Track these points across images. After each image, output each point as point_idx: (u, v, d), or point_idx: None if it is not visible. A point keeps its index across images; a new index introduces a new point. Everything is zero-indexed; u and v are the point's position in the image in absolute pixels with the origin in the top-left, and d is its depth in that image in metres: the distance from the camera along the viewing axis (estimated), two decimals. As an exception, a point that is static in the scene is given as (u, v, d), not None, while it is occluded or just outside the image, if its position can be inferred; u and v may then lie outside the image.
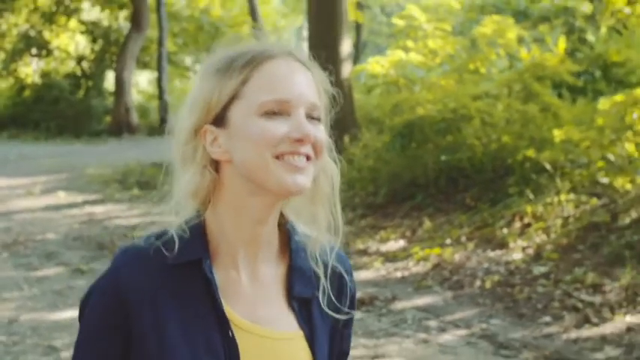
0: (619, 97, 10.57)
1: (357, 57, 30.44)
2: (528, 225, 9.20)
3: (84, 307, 1.69)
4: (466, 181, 10.95)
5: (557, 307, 6.72)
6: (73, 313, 6.92)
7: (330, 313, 1.76)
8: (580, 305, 6.70)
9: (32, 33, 27.14)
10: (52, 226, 10.83)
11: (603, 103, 10.87)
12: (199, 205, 1.69)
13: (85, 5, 28.02)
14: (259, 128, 1.59)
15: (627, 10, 18.78)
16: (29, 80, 27.19)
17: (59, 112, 24.87)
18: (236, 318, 1.67)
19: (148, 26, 24.65)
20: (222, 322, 1.64)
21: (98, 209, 12.11)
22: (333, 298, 1.77)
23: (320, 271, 1.76)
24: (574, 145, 10.44)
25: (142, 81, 30.01)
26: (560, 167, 10.23)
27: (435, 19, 15.76)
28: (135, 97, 27.24)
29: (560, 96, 13.90)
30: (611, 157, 10.25)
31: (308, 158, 1.62)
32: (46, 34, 27.34)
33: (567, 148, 10.51)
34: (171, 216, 1.67)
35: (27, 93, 26.65)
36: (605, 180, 10.00)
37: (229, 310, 1.66)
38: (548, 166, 9.93)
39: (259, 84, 1.62)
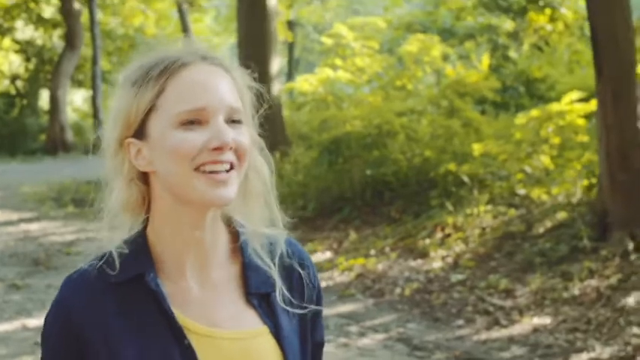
0: (534, 112, 11.12)
1: (290, 74, 30.93)
2: (449, 235, 9.66)
3: (42, 339, 1.68)
4: (391, 194, 11.39)
5: (470, 311, 7.16)
6: (7, 327, 7.19)
7: (288, 307, 1.72)
8: (491, 309, 7.15)
9: (-35, 52, 27.06)
10: (-13, 244, 11.02)
11: (520, 118, 11.44)
12: (136, 219, 1.69)
13: (19, 24, 28.03)
14: (177, 140, 1.57)
15: (549, 27, 19.49)
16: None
17: (-6, 132, 24.86)
18: (191, 324, 1.64)
19: (82, 45, 24.79)
20: (177, 332, 1.61)
21: (33, 227, 12.31)
22: (284, 291, 1.72)
23: (270, 266, 1.72)
24: (492, 158, 10.97)
25: (77, 99, 30.05)
26: (480, 180, 10.73)
27: (363, 38, 16.26)
28: (70, 115, 27.32)
29: (483, 111, 14.48)
30: (528, 169, 10.79)
31: (231, 167, 1.60)
32: (-21, 53, 27.29)
33: (486, 162, 11.02)
34: (107, 232, 1.65)
35: (-40, 112, 26.57)
36: (522, 191, 10.54)
37: (183, 319, 1.63)
38: (466, 179, 10.39)
39: (174, 94, 1.60)
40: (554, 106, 10.70)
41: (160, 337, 1.60)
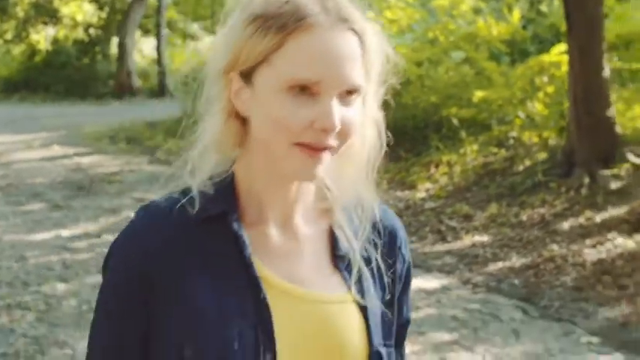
0: (531, 62, 12.21)
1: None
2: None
3: (105, 269, 1.55)
4: (402, 135, 12.60)
5: (427, 231, 8.41)
6: (44, 236, 8.68)
7: (377, 276, 1.59)
8: (444, 229, 8.39)
9: (42, 1, 28.80)
10: (43, 172, 12.57)
11: (520, 68, 12.53)
12: (224, 157, 1.55)
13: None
14: (282, 110, 1.42)
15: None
16: (40, 46, 28.93)
17: (67, 77, 26.61)
18: (271, 277, 1.50)
19: (149, -5, 26.30)
20: (253, 282, 1.48)
21: (85, 159, 13.85)
22: (374, 258, 1.59)
23: (361, 230, 1.58)
24: (490, 104, 12.12)
25: (145, 47, 31.60)
26: (476, 123, 11.90)
27: (398, -10, 17.31)
28: (139, 62, 28.94)
29: (513, 60, 15.49)
30: (521, 114, 11.91)
31: (330, 148, 1.44)
32: (56, 3, 29.00)
33: (485, 107, 12.18)
34: (191, 166, 1.52)
35: (38, 58, 28.38)
36: (514, 134, 11.67)
37: (262, 269, 1.50)
38: (455, 122, 11.58)
39: (292, 56, 1.41)
40: (546, 57, 11.75)
41: (236, 287, 1.47)
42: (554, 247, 7.51)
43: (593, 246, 7.41)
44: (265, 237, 1.53)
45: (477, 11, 17.96)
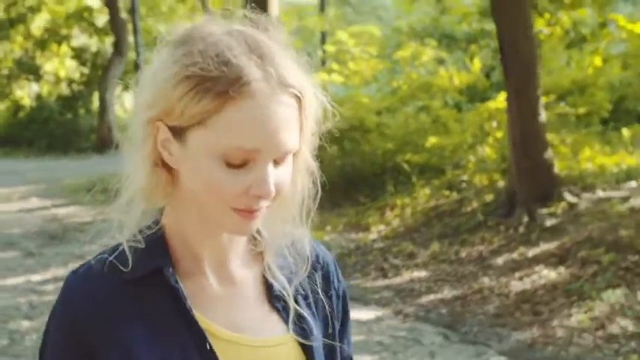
0: (480, 109, 12.92)
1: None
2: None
3: (43, 343, 1.52)
4: (362, 182, 13.26)
5: (371, 268, 9.03)
6: (15, 280, 9.26)
7: (315, 313, 1.59)
8: (387, 267, 9.01)
9: (25, 58, 29.57)
10: (20, 223, 13.17)
11: (471, 114, 13.25)
12: (152, 208, 1.50)
13: (75, 32, 30.44)
14: (216, 175, 1.38)
15: (546, 31, 21.14)
16: (24, 102, 29.64)
17: (49, 132, 27.27)
18: (213, 327, 1.48)
19: (128, 51, 27.06)
20: (197, 335, 1.45)
21: (62, 210, 14.45)
22: (310, 295, 1.59)
23: (294, 268, 1.58)
24: (442, 149, 12.81)
25: (128, 101, 32.33)
26: (429, 167, 12.59)
27: (363, 44, 18.13)
28: (122, 115, 29.64)
29: (459, 109, 16.23)
30: (472, 158, 12.60)
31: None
32: (39, 59, 29.76)
33: (438, 152, 12.88)
34: (117, 221, 1.49)
35: (21, 114, 29.08)
36: (465, 177, 12.34)
37: (204, 320, 1.47)
38: (406, 167, 12.27)
39: (229, 122, 1.36)
40: (492, 104, 12.47)
41: (179, 342, 1.44)
42: (485, 280, 8.13)
43: (520, 278, 8.02)
44: (202, 287, 1.50)
45: (439, 61, 18.78)
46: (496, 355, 6.23)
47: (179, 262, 1.50)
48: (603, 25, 15.40)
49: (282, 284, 1.55)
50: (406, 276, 8.64)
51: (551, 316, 6.88)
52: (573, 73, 15.85)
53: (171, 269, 1.47)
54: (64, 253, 10.67)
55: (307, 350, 1.54)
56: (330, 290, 1.63)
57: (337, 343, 1.62)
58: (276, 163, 1.41)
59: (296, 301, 1.56)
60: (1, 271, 9.76)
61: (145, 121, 1.43)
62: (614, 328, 6.40)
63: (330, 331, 1.61)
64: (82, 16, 29.66)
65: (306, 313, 1.56)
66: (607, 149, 13.37)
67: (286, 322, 1.54)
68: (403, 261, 9.23)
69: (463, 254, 9.16)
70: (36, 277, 9.33)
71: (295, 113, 1.42)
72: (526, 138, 10.36)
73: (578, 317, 6.73)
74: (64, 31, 29.95)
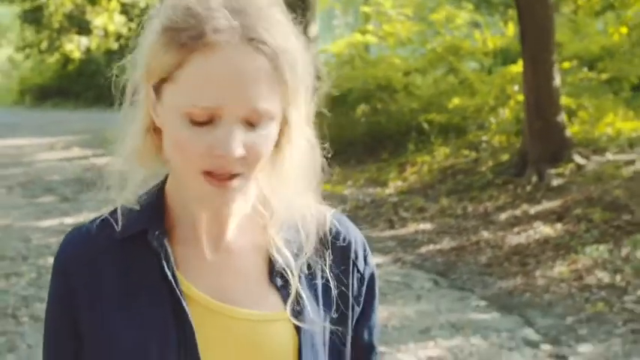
0: (502, 72, 13.32)
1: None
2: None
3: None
4: (386, 139, 13.75)
5: (381, 220, 9.56)
6: (50, 222, 9.93)
7: (321, 294, 1.49)
8: (395, 219, 9.53)
9: (75, 13, 30.32)
10: (59, 171, 13.89)
11: (494, 77, 13.65)
12: (152, 172, 1.49)
13: (124, -12, 31.11)
14: (181, 134, 1.35)
15: (584, -5, 21.35)
16: (73, 56, 30.43)
17: (96, 84, 28.03)
18: (196, 295, 1.42)
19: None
20: (176, 300, 1.40)
21: (100, 160, 15.11)
22: (319, 275, 1.49)
23: (304, 243, 1.48)
24: (464, 110, 13.26)
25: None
26: (451, 127, 13.04)
27: (399, 5, 18.50)
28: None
29: (490, 72, 16.60)
30: (493, 120, 13.03)
31: (235, 175, 1.36)
32: (88, 14, 30.49)
33: (461, 113, 13.33)
34: (117, 184, 1.50)
35: (70, 67, 29.91)
36: (485, 138, 12.79)
37: (189, 287, 1.42)
38: (426, 126, 12.74)
39: (192, 77, 1.33)
40: (514, 68, 12.85)
41: (156, 306, 1.42)
42: (484, 233, 8.63)
43: (518, 233, 8.50)
44: (194, 253, 1.46)
45: (475, 24, 19.11)
46: (477, 299, 6.74)
47: (175, 227, 1.47)
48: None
49: (285, 260, 1.47)
50: (412, 228, 9.15)
51: (536, 267, 7.36)
52: (603, 40, 16.10)
53: (158, 232, 1.44)
54: (97, 200, 11.13)
55: (299, 332, 1.45)
56: (350, 271, 1.52)
57: (346, 331, 1.51)
58: (250, 125, 1.35)
59: (299, 280, 1.47)
60: (38, 214, 10.45)
61: (139, 80, 1.43)
62: (590, 280, 6.87)
63: (336, 315, 1.50)
64: (131, -28, 30.33)
65: (306, 293, 1.47)
66: (630, 114, 13.73)
67: (284, 300, 1.45)
68: (412, 214, 9.74)
69: (470, 209, 9.64)
70: (69, 220, 9.99)
71: (267, 72, 1.35)
72: (540, 101, 10.76)
73: (560, 269, 7.21)
74: (113, -13, 30.63)
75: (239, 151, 1.34)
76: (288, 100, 1.39)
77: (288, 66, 1.37)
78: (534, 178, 10.32)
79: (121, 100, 1.50)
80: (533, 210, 9.19)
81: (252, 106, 1.34)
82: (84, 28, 30.63)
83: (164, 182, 1.50)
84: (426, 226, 9.18)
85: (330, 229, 1.52)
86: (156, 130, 1.44)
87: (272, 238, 1.49)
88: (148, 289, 1.43)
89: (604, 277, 6.91)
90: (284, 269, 1.46)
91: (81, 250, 1.48)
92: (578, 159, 10.59)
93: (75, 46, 30.80)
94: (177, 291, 1.41)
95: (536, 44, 10.82)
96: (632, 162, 10.19)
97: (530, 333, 5.94)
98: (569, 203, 9.12)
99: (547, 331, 5.95)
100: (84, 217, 10.14)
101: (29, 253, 8.38)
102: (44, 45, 30.88)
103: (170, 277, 1.42)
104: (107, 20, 30.80)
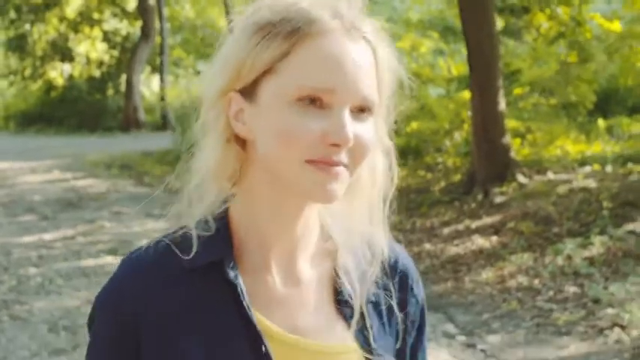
0: (456, 98, 14.23)
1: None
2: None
3: (90, 320, 1.43)
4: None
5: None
6: (30, 238, 10.71)
7: (386, 323, 1.47)
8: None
9: (58, 40, 31.19)
10: (41, 192, 14.66)
11: (448, 102, 14.56)
12: (223, 191, 1.42)
13: (106, 16, 32.01)
14: (290, 122, 1.30)
15: (545, 24, 22.33)
16: (56, 82, 31.28)
17: (79, 111, 28.91)
18: (271, 329, 1.38)
19: (155, 36, 28.57)
20: (253, 335, 1.36)
21: (80, 182, 15.93)
22: (383, 303, 1.47)
23: (368, 271, 1.46)
24: (420, 133, 14.16)
25: (155, 84, 33.89)
26: (412, 150, 13.93)
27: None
28: (148, 97, 31.22)
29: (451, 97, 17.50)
30: (447, 143, 13.92)
31: (344, 165, 1.32)
32: (71, 42, 31.36)
33: (418, 136, 14.23)
34: (186, 203, 1.41)
35: (53, 94, 30.75)
36: (440, 160, 13.68)
37: (262, 320, 1.38)
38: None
39: (302, 62, 1.30)
40: (466, 94, 13.75)
41: (233, 339, 1.36)
42: (427, 245, 9.46)
43: (457, 245, 9.34)
44: (264, 284, 1.41)
45: (439, 52, 20.08)
46: (410, 301, 7.56)
47: (242, 255, 1.41)
48: (579, 22, 16.50)
49: (352, 288, 1.44)
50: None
51: (467, 274, 8.19)
52: (554, 67, 17.04)
53: (232, 263, 1.38)
54: (75, 218, 12.12)
55: None
56: (407, 298, 1.52)
57: (402, 355, 1.51)
58: (354, 116, 1.32)
59: (366, 308, 1.45)
60: (19, 232, 11.22)
61: (216, 95, 1.38)
62: (511, 283, 7.71)
63: (400, 345, 1.50)
64: (113, 0, 31.19)
65: (374, 322, 1.45)
66: (582, 138, 14.69)
67: (352, 329, 1.43)
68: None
69: (418, 224, 10.48)
70: (47, 236, 10.77)
71: (371, 61, 1.34)
72: (486, 125, 11.63)
73: (487, 274, 8.04)
74: (96, 15, 31.48)
75: (353, 136, 1.30)
76: (380, 99, 1.37)
77: (384, 61, 1.37)
78: (480, 196, 11.18)
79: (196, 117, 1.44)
80: (474, 225, 10.03)
81: (362, 93, 1.32)
82: (67, 56, 31.50)
83: (225, 207, 1.43)
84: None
85: (390, 257, 1.51)
86: (237, 142, 1.39)
87: (340, 266, 1.46)
88: (223, 324, 1.37)
89: (524, 281, 7.74)
90: (351, 299, 1.44)
91: (143, 276, 1.38)
92: (521, 178, 11.46)
93: (58, 73, 31.65)
94: (256, 326, 1.36)
95: (482, 73, 11.71)
96: (569, 181, 11.07)
97: (449, 327, 6.75)
98: (507, 218, 9.97)
99: (464, 326, 6.77)
100: (62, 233, 10.95)
101: (10, 265, 9.15)
102: (28, 72, 31.72)
103: (248, 311, 1.36)
104: (89, 48, 31.69)
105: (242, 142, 1.39)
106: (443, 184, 12.40)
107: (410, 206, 11.41)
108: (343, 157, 1.31)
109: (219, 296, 1.37)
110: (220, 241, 1.39)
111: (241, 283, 1.37)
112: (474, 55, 11.76)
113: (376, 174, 1.44)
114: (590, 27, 17.23)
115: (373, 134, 1.36)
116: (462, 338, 6.50)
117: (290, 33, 1.31)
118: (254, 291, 1.39)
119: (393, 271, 1.51)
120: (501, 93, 11.87)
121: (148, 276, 1.38)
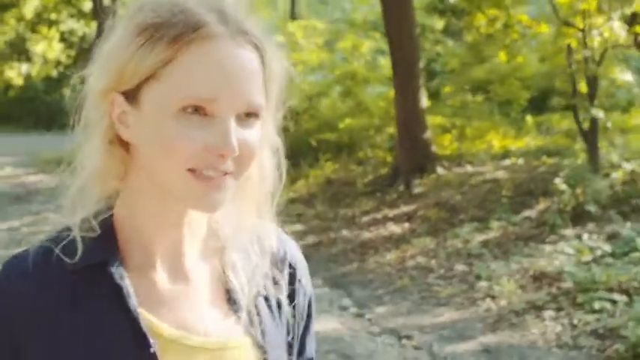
0: (388, 96, 15.02)
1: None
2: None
3: None
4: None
5: (262, 223, 11.13)
6: (-24, 229, 11.38)
7: (276, 315, 1.48)
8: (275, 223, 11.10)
9: (16, 40, 31.71)
10: (-9, 188, 15.34)
11: (380, 100, 15.35)
12: (107, 192, 1.39)
13: (63, 16, 32.56)
14: (173, 133, 1.27)
15: (482, 23, 23.16)
16: (14, 82, 31.81)
17: (36, 109, 29.48)
18: (159, 327, 1.36)
19: (110, 36, 29.17)
20: (140, 337, 1.33)
21: (30, 178, 16.58)
22: (272, 296, 1.48)
23: (258, 265, 1.47)
24: (352, 129, 14.96)
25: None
26: (344, 145, 14.73)
27: (311, 36, 20.17)
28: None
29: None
30: (378, 138, 14.73)
31: (228, 173, 1.30)
32: (29, 42, 31.90)
33: (349, 132, 15.03)
34: (70, 205, 1.39)
35: (11, 93, 31.29)
36: (370, 154, 14.48)
37: (149, 318, 1.35)
38: (314, 143, 14.41)
39: (185, 71, 1.27)
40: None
41: (119, 341, 1.33)
42: (344, 232, 10.24)
43: (371, 231, 10.13)
44: (152, 282, 1.38)
45: (380, 52, 20.86)
46: (317, 279, 8.31)
47: (128, 254, 1.38)
48: (507, 25, 17.33)
49: (241, 283, 1.44)
50: (285, 229, 10.70)
51: (373, 256, 8.99)
52: (488, 67, 17.90)
53: (117, 263, 1.36)
54: (22, 210, 12.78)
55: (266, 354, 1.43)
56: (296, 290, 1.53)
57: (293, 351, 1.52)
58: (240, 123, 1.30)
59: (256, 303, 1.45)
60: (-33, 223, 11.90)
61: (98, 96, 1.35)
62: (410, 263, 8.51)
63: (292, 336, 1.51)
64: (70, 1, 31.74)
65: (264, 316, 1.46)
66: (512, 133, 15.54)
67: (243, 323, 1.43)
68: (290, 219, 11.33)
69: (340, 214, 11.26)
70: (-3, 226, 11.46)
71: (258, 67, 1.32)
72: (408, 121, 12.45)
73: (390, 256, 8.84)
74: (53, 16, 32.04)
75: (237, 148, 1.28)
76: (268, 102, 1.36)
77: (272, 65, 1.34)
78: (402, 188, 11.98)
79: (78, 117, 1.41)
80: (391, 213, 10.82)
81: (247, 99, 1.29)
82: (25, 55, 32.02)
83: (108, 207, 1.40)
84: (296, 227, 10.77)
85: (279, 249, 1.53)
86: (121, 144, 1.36)
87: (227, 262, 1.46)
88: (108, 325, 1.34)
89: (422, 261, 8.54)
90: (241, 294, 1.44)
91: (27, 278, 1.35)
92: (440, 170, 12.29)
93: (16, 72, 32.17)
94: (143, 327, 1.33)
95: (404, 72, 12.52)
96: (483, 173, 11.89)
97: (346, 301, 7.53)
98: (420, 207, 10.78)
99: (359, 300, 7.56)
100: (8, 224, 11.62)
101: (-46, 253, 9.83)
102: (-15, 72, 32.24)
103: (134, 311, 1.34)
104: (47, 48, 32.21)
105: (126, 145, 1.36)
106: (370, 177, 13.19)
107: (336, 197, 12.19)
108: (229, 165, 1.30)
109: (105, 297, 1.34)
110: (105, 241, 1.37)
111: (127, 283, 1.35)
112: (396, 56, 12.56)
113: (265, 172, 1.44)
114: (517, 28, 18.13)
115: (259, 137, 1.33)
116: (354, 310, 7.28)
117: (173, 39, 1.27)
118: (141, 290, 1.37)
119: (282, 264, 1.52)
120: (422, 91, 12.67)
121: (28, 279, 1.34)
